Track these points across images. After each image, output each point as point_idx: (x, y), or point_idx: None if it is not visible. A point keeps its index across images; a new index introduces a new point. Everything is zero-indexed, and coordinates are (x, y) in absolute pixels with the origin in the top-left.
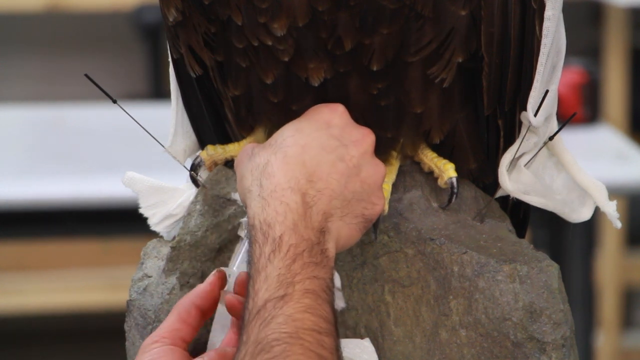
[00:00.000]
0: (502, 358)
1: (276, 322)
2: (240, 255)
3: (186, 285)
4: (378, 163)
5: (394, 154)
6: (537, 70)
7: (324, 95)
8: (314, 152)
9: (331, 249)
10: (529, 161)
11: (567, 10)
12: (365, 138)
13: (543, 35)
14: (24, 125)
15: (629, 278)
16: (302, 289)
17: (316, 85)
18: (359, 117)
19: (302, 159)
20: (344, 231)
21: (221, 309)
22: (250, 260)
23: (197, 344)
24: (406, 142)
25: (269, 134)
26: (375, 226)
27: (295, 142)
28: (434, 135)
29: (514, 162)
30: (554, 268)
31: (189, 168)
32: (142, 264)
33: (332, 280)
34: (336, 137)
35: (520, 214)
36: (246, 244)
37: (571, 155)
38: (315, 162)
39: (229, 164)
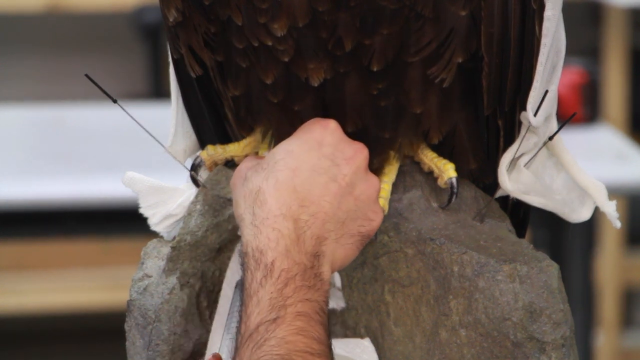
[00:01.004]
0: (502, 358)
1: (269, 344)
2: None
3: (186, 285)
4: (371, 178)
5: (392, 154)
6: (536, 70)
7: (323, 96)
8: (305, 175)
9: (326, 272)
10: (528, 161)
11: (567, 10)
12: (357, 154)
13: (543, 35)
14: (24, 125)
15: (629, 278)
16: (294, 312)
17: (316, 85)
18: (358, 117)
19: (293, 183)
20: (340, 252)
21: (221, 309)
22: (242, 287)
23: (196, 343)
24: (404, 142)
25: (268, 135)
26: None
27: (286, 166)
28: (433, 135)
29: (513, 162)
30: (553, 268)
31: (189, 168)
32: (142, 264)
33: (326, 302)
34: (328, 156)
35: (520, 214)
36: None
37: (571, 155)
38: (306, 186)
39: (229, 164)
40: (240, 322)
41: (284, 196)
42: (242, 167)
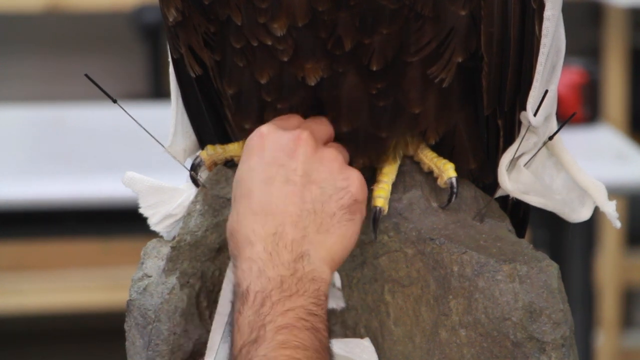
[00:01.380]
0: (501, 358)
1: None
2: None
3: (186, 285)
4: (324, 153)
5: (389, 153)
6: (536, 70)
7: (320, 95)
8: (258, 193)
9: (318, 269)
10: (528, 161)
11: (567, 10)
12: (297, 142)
13: (542, 35)
14: (24, 125)
15: (629, 278)
16: (274, 328)
17: (312, 84)
18: (354, 116)
19: (251, 208)
20: (330, 239)
21: (221, 309)
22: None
23: (196, 343)
24: (400, 141)
25: None
26: (375, 226)
27: (241, 195)
28: (430, 135)
29: (513, 162)
30: (553, 268)
31: (189, 168)
32: (142, 263)
33: (316, 302)
34: (271, 162)
35: (520, 214)
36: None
37: (571, 155)
38: (263, 203)
39: (229, 164)
40: (229, 355)
41: (245, 224)
42: None
